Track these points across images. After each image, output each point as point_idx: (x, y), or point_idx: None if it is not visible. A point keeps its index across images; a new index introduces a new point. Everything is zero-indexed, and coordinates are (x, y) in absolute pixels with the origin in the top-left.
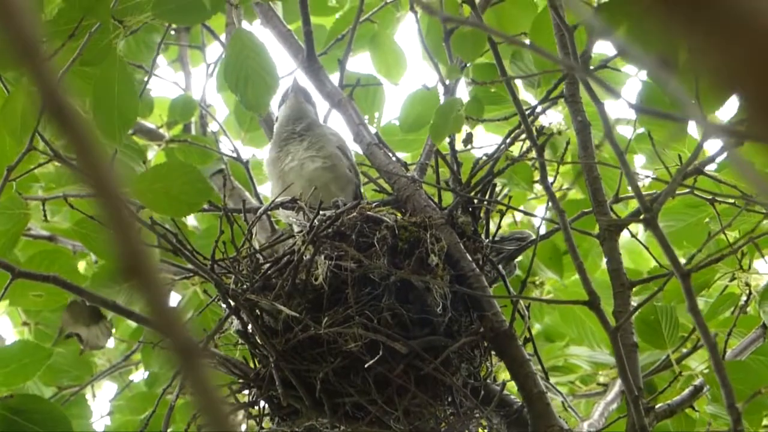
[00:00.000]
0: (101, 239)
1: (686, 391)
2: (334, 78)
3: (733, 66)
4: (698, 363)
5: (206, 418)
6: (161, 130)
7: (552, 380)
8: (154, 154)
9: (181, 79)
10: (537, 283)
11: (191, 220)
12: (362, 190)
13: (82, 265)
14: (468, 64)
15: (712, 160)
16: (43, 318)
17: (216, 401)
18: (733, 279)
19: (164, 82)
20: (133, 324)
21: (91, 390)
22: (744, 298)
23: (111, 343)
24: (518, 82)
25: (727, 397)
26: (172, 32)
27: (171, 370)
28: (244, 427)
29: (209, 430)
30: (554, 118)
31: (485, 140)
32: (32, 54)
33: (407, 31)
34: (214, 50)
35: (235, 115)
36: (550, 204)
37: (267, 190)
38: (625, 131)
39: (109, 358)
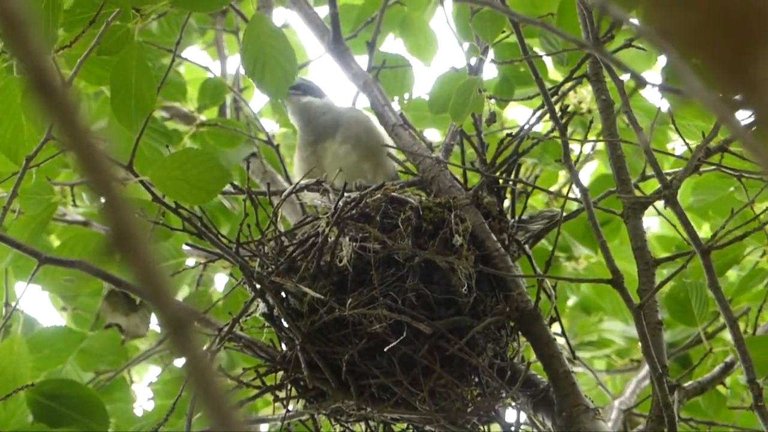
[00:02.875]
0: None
1: (717, 368)
2: (364, 60)
3: (690, 30)
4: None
5: (197, 390)
6: (195, 114)
7: (587, 355)
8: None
9: (218, 63)
10: (571, 258)
11: (227, 201)
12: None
13: None
14: (489, 44)
15: (734, 138)
16: (81, 303)
17: (207, 372)
18: (764, 254)
19: (202, 66)
20: None
21: (128, 374)
22: None
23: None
24: (547, 62)
25: (747, 372)
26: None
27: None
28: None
29: (202, 402)
30: (586, 96)
31: (521, 118)
32: (16, 27)
33: (442, 14)
34: None
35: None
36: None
37: None
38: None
39: (151, 343)
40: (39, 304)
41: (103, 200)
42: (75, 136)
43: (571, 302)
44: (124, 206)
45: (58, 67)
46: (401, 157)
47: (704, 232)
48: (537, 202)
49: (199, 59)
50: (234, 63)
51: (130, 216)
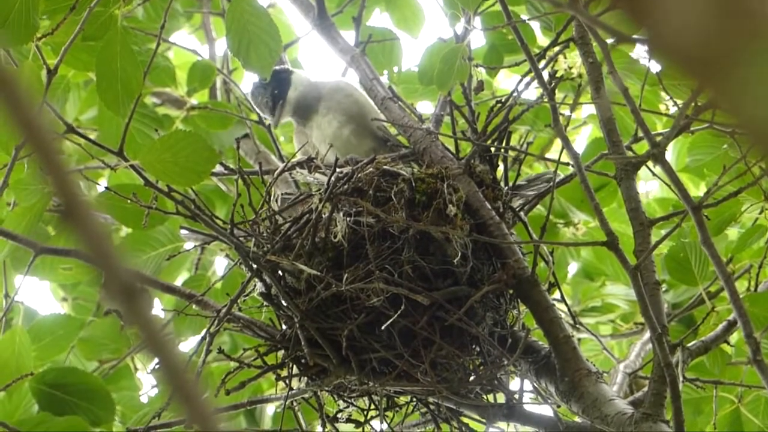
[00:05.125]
0: (128, 209)
1: (720, 327)
2: (352, 35)
3: None
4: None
5: (153, 354)
6: (185, 98)
7: (591, 321)
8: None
9: (207, 47)
10: (569, 224)
11: (222, 183)
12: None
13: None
14: (472, 12)
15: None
16: (81, 291)
17: (161, 337)
18: (763, 210)
19: (190, 49)
20: None
21: (131, 362)
22: None
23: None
24: (535, 28)
25: (744, 327)
26: None
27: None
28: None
29: (157, 364)
30: (577, 61)
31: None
32: None
33: None
34: None
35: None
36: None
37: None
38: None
39: None
40: (40, 296)
41: (49, 174)
42: (18, 115)
43: (572, 268)
44: (70, 180)
45: (43, 56)
46: (392, 130)
47: (702, 191)
48: (533, 168)
49: (187, 43)
50: (222, 45)
51: (77, 189)
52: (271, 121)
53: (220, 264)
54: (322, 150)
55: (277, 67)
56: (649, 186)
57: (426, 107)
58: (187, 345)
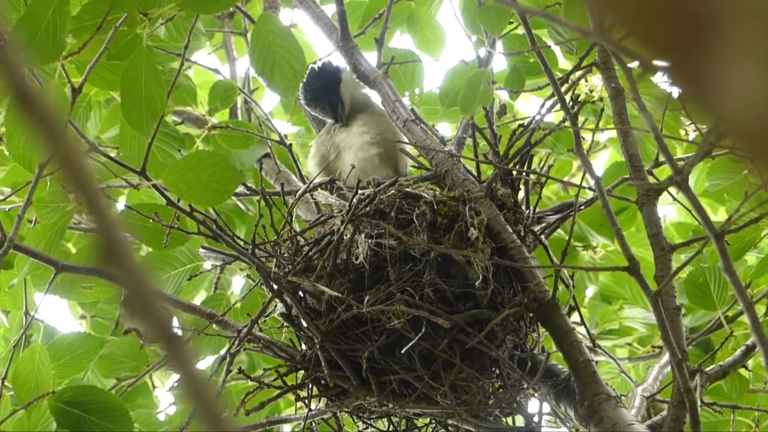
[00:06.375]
0: (149, 228)
1: (738, 352)
2: (374, 57)
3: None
4: None
5: (193, 399)
6: (206, 117)
7: (608, 344)
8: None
9: (227, 66)
10: (588, 248)
11: (242, 203)
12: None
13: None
14: (496, 37)
15: None
16: (99, 310)
17: (201, 381)
18: None
19: (212, 69)
20: None
21: (149, 380)
22: None
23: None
24: (557, 52)
25: (765, 355)
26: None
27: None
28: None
29: (196, 410)
30: (597, 84)
31: (534, 110)
32: None
33: (449, 8)
34: None
35: (281, 98)
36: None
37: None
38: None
39: None
40: (58, 315)
41: (91, 217)
42: (60, 151)
43: (590, 292)
44: (107, 214)
45: (67, 74)
46: (414, 152)
47: (721, 216)
48: (551, 192)
49: (208, 62)
50: (243, 65)
51: (119, 231)
52: (340, 121)
53: (238, 283)
54: (343, 155)
55: (327, 64)
56: (666, 210)
57: (446, 129)
58: (205, 363)
